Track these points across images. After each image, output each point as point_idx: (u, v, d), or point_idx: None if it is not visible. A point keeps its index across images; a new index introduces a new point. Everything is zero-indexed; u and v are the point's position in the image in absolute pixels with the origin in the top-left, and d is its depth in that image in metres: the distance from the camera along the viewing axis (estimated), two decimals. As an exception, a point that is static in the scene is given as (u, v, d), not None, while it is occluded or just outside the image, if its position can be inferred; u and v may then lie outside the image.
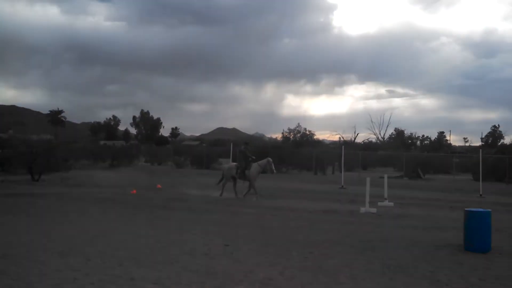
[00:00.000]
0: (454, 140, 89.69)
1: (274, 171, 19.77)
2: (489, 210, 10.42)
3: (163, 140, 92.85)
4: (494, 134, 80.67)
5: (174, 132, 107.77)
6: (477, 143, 78.23)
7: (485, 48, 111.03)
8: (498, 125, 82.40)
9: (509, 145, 55.91)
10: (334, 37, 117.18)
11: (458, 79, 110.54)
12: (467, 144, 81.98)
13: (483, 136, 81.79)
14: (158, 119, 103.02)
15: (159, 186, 23.63)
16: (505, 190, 28.73)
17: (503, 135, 79.11)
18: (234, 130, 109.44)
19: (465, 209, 10.46)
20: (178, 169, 42.28)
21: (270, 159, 19.39)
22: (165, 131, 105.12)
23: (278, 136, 57.31)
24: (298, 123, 57.05)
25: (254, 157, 19.65)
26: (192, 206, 16.29)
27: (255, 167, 19.12)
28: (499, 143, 70.49)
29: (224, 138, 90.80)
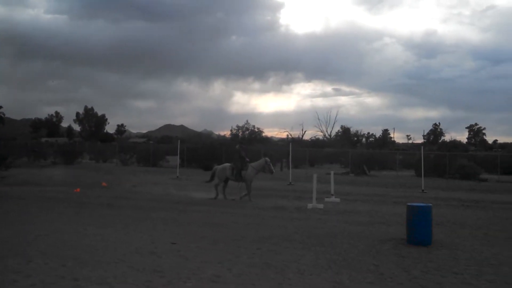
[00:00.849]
0: (398, 137, 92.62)
1: (273, 171, 18.84)
2: (430, 204, 10.81)
3: (108, 137, 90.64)
4: (435, 132, 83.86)
5: (120, 129, 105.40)
6: (420, 140, 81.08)
7: (426, 49, 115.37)
8: (439, 123, 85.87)
9: (449, 142, 58.32)
10: (281, 36, 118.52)
11: (401, 78, 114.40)
12: (410, 141, 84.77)
13: (425, 134, 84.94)
14: (103, 115, 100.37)
15: (104, 184, 23.06)
16: (445, 185, 29.91)
17: (444, 132, 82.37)
18: (181, 127, 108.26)
19: (408, 204, 10.82)
20: (124, 167, 41.42)
21: (268, 159, 18.60)
22: (110, 128, 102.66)
23: (226, 133, 57.31)
24: (247, 120, 57.39)
25: (248, 159, 18.65)
26: (139, 204, 15.99)
27: (251, 168, 18.19)
28: (440, 140, 73.35)
29: (172, 135, 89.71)
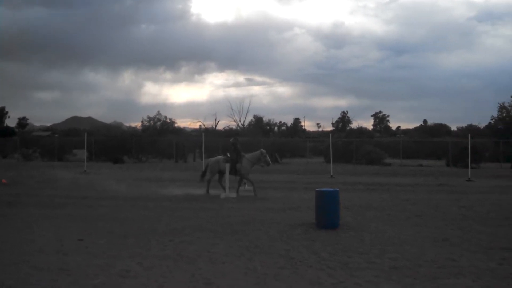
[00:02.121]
0: (308, 125, 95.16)
1: (270, 162, 17.86)
2: (338, 189, 11.23)
3: (8, 131, 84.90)
4: (343, 120, 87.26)
5: (22, 122, 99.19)
6: (329, 128, 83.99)
7: (334, 40, 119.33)
8: (347, 111, 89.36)
9: (356, 129, 61.04)
10: (192, 25, 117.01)
11: (311, 68, 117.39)
12: (320, 129, 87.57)
13: (333, 122, 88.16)
14: (3, 108, 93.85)
15: (4, 181, 21.58)
16: (352, 170, 31.27)
17: (351, 120, 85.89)
18: (89, 119, 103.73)
19: (316, 189, 11.16)
20: (27, 162, 39.05)
21: (264, 150, 17.72)
22: (11, 122, 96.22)
23: (137, 124, 55.71)
24: (158, 111, 55.71)
25: (243, 154, 17.66)
26: (43, 201, 15.11)
27: (246, 160, 17.33)
28: (348, 128, 76.51)
29: (79, 127, 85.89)
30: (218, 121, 69.72)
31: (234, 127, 72.86)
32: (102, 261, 7.51)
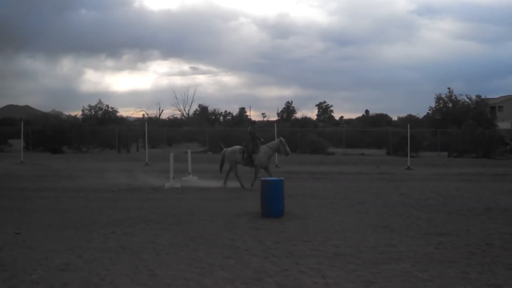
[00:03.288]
0: (254, 115, 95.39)
1: (289, 152, 16.77)
2: (282, 178, 11.33)
3: None
4: (288, 110, 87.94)
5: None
6: (274, 118, 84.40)
7: (279, 30, 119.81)
8: (292, 101, 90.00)
9: (301, 119, 61.83)
10: (135, 11, 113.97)
11: (256, 58, 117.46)
12: (265, 119, 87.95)
13: (279, 111, 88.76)
14: None
15: None
16: (297, 159, 31.62)
17: (296, 110, 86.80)
18: (26, 107, 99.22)
19: (261, 178, 11.22)
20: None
21: (283, 139, 16.73)
22: None
23: (77, 113, 53.76)
24: (100, 100, 54.03)
25: (263, 139, 16.77)
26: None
27: (265, 150, 16.18)
28: (292, 118, 77.35)
29: (15, 116, 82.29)
30: (162, 110, 68.92)
31: (178, 116, 72.22)
32: (41, 255, 7.23)
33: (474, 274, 6.43)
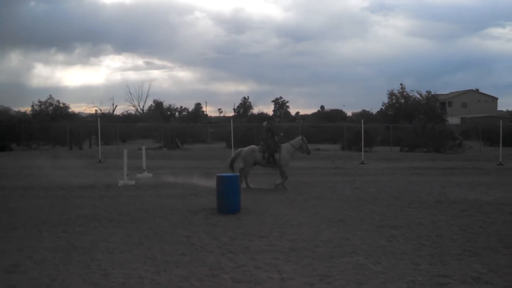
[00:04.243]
0: (210, 111, 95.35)
1: (311, 151, 15.94)
2: (238, 174, 11.31)
3: None
4: (245, 105, 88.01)
5: None
6: (231, 113, 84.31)
7: (235, 25, 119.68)
8: (248, 96, 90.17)
9: (257, 115, 62.04)
10: (87, 4, 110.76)
11: (212, 53, 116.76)
12: (221, 115, 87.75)
13: (235, 107, 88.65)
14: None
15: None
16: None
17: (252, 105, 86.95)
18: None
19: (217, 174, 11.17)
20: None
21: (304, 138, 15.54)
22: None
23: (27, 109, 52.03)
24: (50, 95, 52.43)
25: (282, 134, 15.82)
26: None
27: (287, 148, 15.05)
28: (249, 113, 77.45)
29: (-39, 112, 78.83)
30: (115, 106, 67.58)
31: (133, 112, 71.06)
32: (-14, 257, 6.94)
33: (425, 265, 6.61)
